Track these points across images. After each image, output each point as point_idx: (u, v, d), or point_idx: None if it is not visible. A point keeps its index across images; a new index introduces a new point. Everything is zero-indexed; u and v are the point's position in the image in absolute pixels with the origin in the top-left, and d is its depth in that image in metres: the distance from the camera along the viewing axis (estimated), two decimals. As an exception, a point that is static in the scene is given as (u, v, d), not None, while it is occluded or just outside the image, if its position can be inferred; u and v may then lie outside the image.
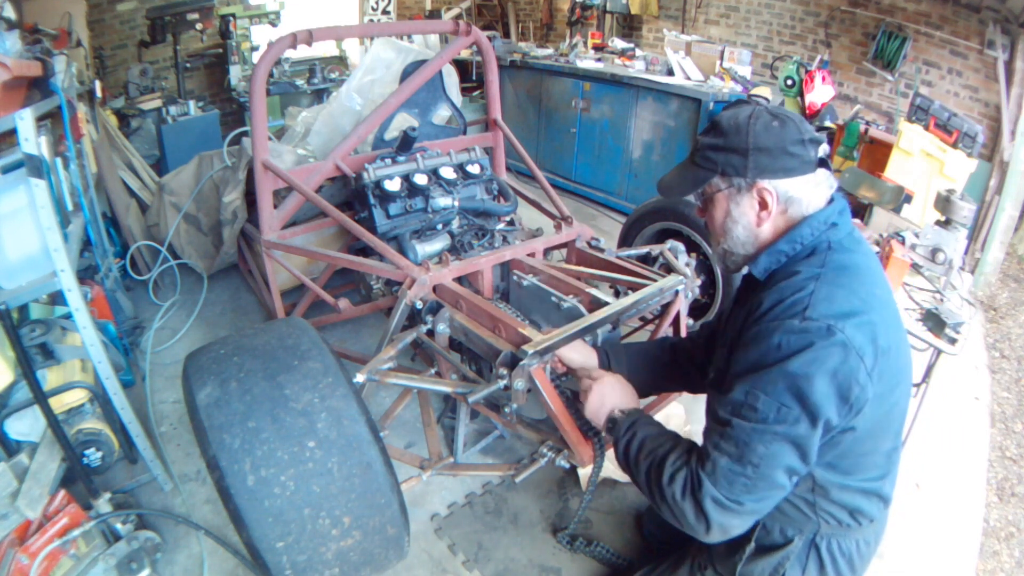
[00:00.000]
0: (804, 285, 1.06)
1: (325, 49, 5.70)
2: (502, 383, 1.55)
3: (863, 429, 1.09)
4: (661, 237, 2.75)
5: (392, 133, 2.62)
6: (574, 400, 1.61)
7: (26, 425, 1.78)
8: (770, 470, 1.04)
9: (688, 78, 4.27)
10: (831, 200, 1.17)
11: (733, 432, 1.06)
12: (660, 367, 1.63)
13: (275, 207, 2.48)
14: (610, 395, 1.40)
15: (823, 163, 1.14)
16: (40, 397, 1.61)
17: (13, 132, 1.62)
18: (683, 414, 2.30)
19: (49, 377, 1.87)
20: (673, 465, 1.14)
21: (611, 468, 2.16)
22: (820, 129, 3.73)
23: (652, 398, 1.89)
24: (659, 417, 2.15)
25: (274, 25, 5.18)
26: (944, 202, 2.33)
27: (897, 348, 1.10)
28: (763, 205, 1.14)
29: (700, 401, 1.40)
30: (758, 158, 1.10)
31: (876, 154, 3.20)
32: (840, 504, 1.19)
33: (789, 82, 3.78)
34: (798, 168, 1.11)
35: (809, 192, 1.13)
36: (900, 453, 1.29)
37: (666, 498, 1.13)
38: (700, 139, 1.20)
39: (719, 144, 1.15)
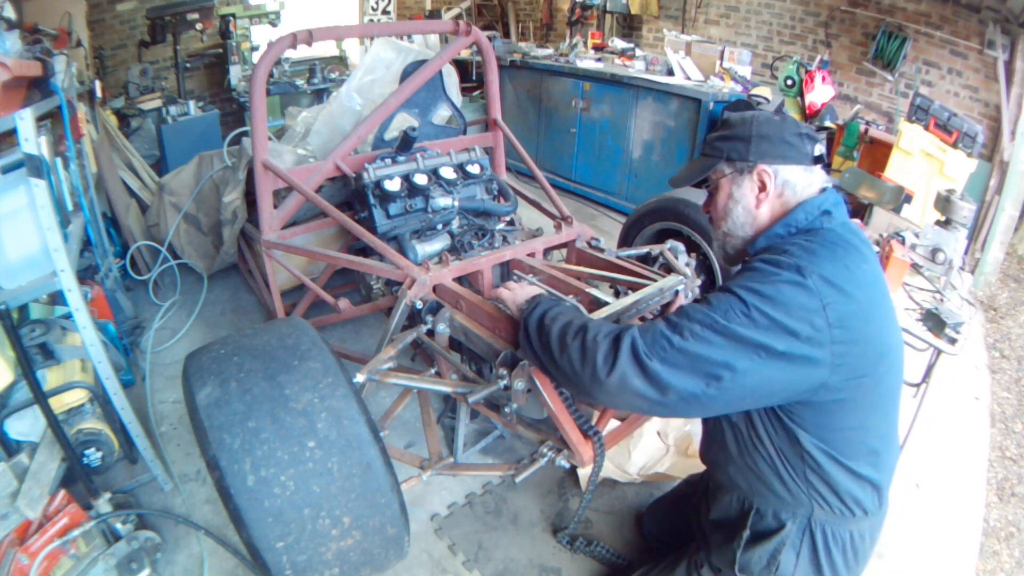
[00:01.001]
0: (789, 248, 1.15)
1: (325, 49, 5.70)
2: (502, 383, 1.55)
3: (842, 393, 1.11)
4: (661, 237, 2.75)
5: (392, 133, 2.62)
6: (574, 400, 1.61)
7: (26, 425, 1.78)
8: (695, 349, 1.05)
9: (688, 78, 4.27)
10: (824, 191, 1.25)
11: (681, 309, 1.14)
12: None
13: (275, 207, 2.48)
14: (530, 288, 1.54)
15: (819, 160, 1.25)
16: (40, 397, 1.61)
17: (13, 132, 1.62)
18: (683, 414, 2.30)
19: (49, 377, 1.86)
20: (608, 324, 1.18)
21: (611, 468, 2.16)
22: (820, 129, 3.73)
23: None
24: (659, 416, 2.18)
25: (274, 25, 5.18)
26: (944, 202, 2.33)
27: (879, 325, 1.14)
28: (762, 187, 1.24)
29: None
30: (760, 144, 1.23)
31: (876, 154, 3.20)
32: (833, 487, 1.20)
33: (789, 82, 3.78)
34: (795, 157, 1.23)
35: (804, 180, 1.23)
36: (897, 445, 1.30)
37: (581, 336, 1.16)
38: (709, 135, 1.33)
39: (726, 135, 1.28)
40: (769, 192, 1.23)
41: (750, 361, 1.05)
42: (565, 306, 1.35)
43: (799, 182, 1.23)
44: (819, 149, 1.24)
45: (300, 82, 5.15)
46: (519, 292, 1.54)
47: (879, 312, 1.15)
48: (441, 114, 2.79)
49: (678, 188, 1.62)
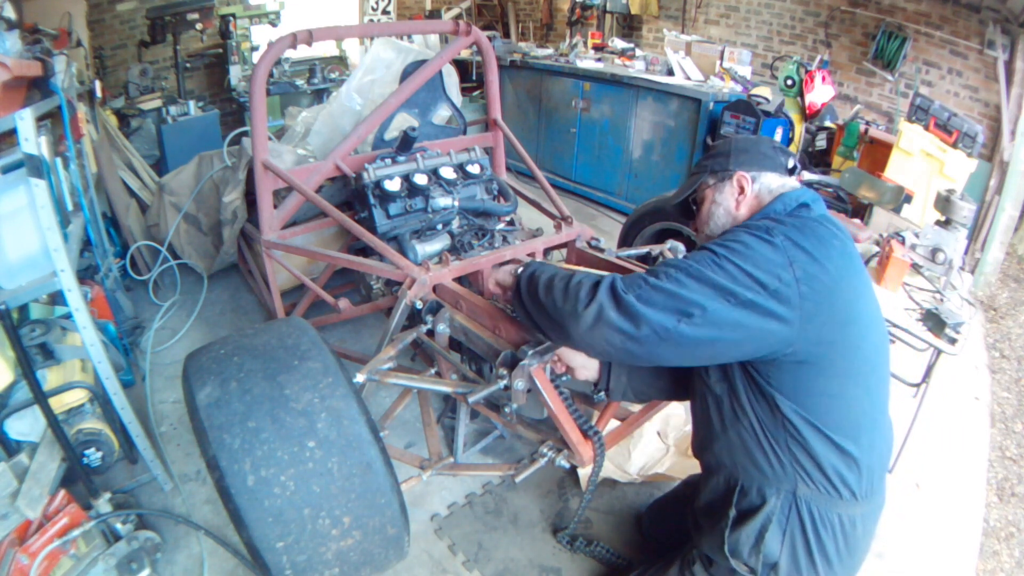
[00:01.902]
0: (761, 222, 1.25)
1: (325, 49, 5.70)
2: (502, 383, 1.55)
3: (813, 355, 1.17)
4: (661, 237, 2.75)
5: (392, 133, 2.62)
6: (573, 400, 1.62)
7: (26, 425, 1.78)
8: (668, 287, 1.14)
9: (688, 78, 4.27)
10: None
11: (662, 262, 1.24)
12: (662, 370, 1.63)
13: (275, 207, 2.48)
14: (511, 264, 1.64)
15: (792, 171, 1.39)
16: (40, 397, 1.61)
17: (13, 132, 1.62)
18: (683, 414, 2.30)
19: (49, 377, 1.87)
20: (598, 275, 1.26)
21: (611, 468, 2.16)
22: (820, 129, 3.73)
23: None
24: (659, 417, 2.18)
25: (274, 25, 5.18)
26: (944, 202, 2.33)
27: (848, 295, 1.20)
28: (740, 190, 1.37)
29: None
30: (738, 156, 1.39)
31: (876, 154, 3.20)
32: (816, 459, 1.20)
33: (789, 82, 3.77)
34: (770, 166, 1.37)
35: (779, 181, 1.36)
36: (885, 431, 1.32)
37: (567, 280, 1.26)
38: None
39: (709, 154, 1.47)
40: (747, 194, 1.36)
41: (719, 304, 1.12)
42: (554, 266, 1.46)
43: (774, 183, 1.36)
44: (792, 162, 1.39)
45: (300, 82, 5.15)
46: (502, 270, 1.64)
47: (849, 285, 1.21)
48: (441, 114, 2.79)
49: (674, 202, 1.68)
